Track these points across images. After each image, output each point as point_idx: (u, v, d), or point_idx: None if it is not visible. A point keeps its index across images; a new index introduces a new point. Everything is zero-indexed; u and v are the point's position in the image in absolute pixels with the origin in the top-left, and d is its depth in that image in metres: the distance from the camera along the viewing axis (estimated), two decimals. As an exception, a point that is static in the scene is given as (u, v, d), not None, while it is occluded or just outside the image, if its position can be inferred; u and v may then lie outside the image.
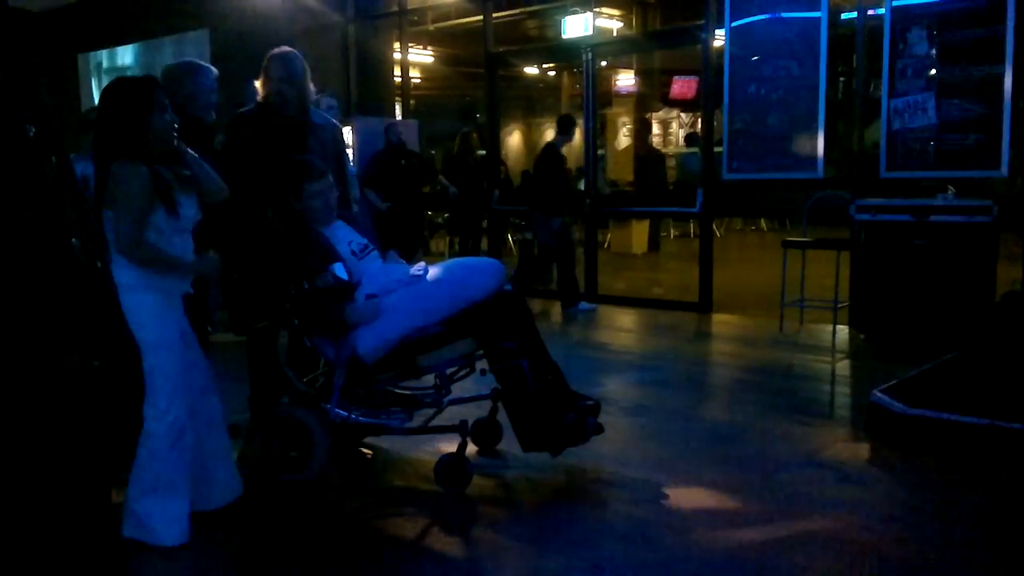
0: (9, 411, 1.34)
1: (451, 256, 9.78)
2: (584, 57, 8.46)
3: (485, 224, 9.38)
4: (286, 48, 4.02)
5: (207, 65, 3.96)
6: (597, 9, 10.37)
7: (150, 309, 2.82)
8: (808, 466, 3.64)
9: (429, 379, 3.55)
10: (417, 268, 3.53)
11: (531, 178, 7.85)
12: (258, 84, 3.97)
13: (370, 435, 3.86)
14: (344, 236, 3.56)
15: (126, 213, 2.77)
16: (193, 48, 10.42)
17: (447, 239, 11.32)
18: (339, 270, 3.34)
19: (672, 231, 14.25)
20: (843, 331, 6.16)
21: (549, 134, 19.53)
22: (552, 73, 18.80)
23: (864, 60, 6.69)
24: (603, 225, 12.98)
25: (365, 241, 3.62)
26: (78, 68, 12.03)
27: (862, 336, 6.04)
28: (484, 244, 9.38)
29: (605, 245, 12.86)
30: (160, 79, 3.52)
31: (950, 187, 5.87)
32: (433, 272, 3.48)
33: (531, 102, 19.68)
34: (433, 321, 3.33)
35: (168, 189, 2.84)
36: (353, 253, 3.50)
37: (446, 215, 8.92)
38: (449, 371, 3.52)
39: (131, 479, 2.87)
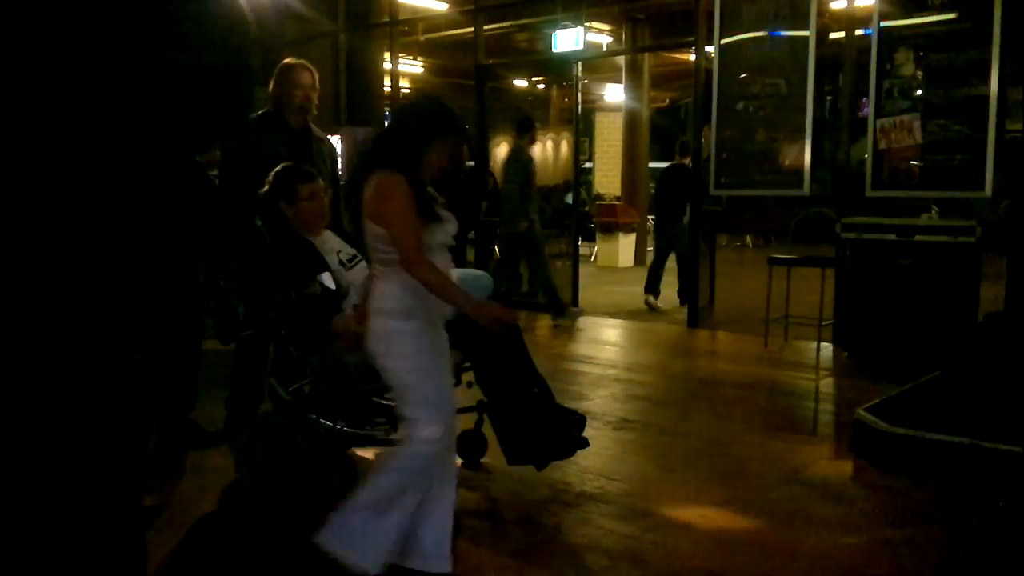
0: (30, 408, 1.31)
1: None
2: (574, 71, 8.51)
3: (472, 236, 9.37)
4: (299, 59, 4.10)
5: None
6: (587, 24, 10.42)
7: (407, 335, 2.60)
8: (792, 483, 3.66)
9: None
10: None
11: (663, 192, 8.66)
12: (269, 91, 3.99)
13: (355, 445, 3.84)
14: (332, 246, 3.55)
15: (398, 225, 2.54)
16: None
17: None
18: (326, 280, 3.34)
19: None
20: (827, 348, 6.19)
21: (536, 147, 19.68)
22: (541, 86, 18.90)
23: (851, 79, 6.75)
24: (590, 239, 13.00)
25: (354, 251, 3.62)
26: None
27: (846, 354, 6.07)
28: (471, 255, 9.37)
29: (592, 259, 12.90)
30: None
31: (934, 207, 5.92)
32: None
33: (520, 114, 19.73)
34: (420, 332, 3.31)
35: (430, 202, 2.64)
36: (341, 263, 3.49)
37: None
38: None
39: (360, 490, 2.67)
